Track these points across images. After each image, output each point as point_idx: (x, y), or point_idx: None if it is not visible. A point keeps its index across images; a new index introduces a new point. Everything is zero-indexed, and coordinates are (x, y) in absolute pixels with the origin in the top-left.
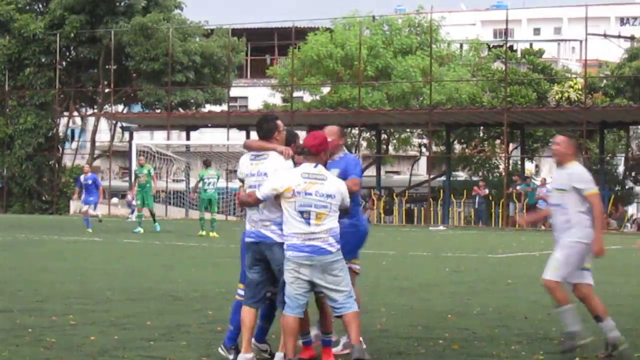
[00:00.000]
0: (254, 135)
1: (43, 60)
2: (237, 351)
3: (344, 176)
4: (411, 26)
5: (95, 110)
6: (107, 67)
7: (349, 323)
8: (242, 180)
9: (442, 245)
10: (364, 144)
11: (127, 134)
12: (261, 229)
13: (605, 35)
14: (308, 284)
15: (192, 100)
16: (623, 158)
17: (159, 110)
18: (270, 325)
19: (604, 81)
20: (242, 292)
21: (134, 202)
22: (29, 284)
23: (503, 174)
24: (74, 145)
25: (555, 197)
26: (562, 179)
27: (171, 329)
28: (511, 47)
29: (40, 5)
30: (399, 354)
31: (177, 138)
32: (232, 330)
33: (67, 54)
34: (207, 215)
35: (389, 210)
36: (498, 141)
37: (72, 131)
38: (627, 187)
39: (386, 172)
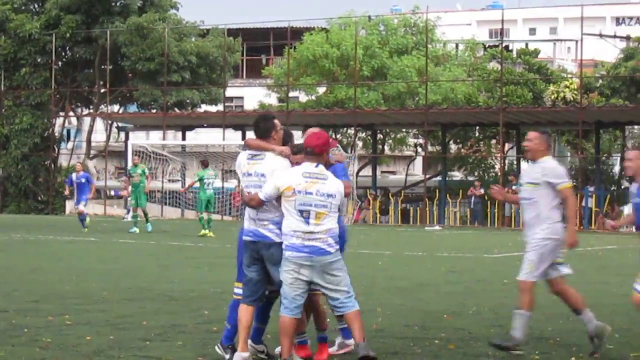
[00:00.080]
0: (249, 135)
1: (39, 60)
2: (234, 350)
3: None
4: (407, 26)
5: (91, 110)
6: (102, 67)
7: (351, 322)
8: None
9: (438, 245)
10: (360, 144)
11: (122, 134)
12: (259, 228)
13: (601, 35)
14: (306, 284)
15: (187, 100)
16: (619, 158)
17: (154, 110)
18: (266, 325)
19: (600, 81)
20: (238, 291)
21: (129, 202)
22: (24, 284)
23: (499, 174)
24: (70, 145)
25: (526, 191)
26: (534, 172)
27: (167, 328)
28: (507, 47)
29: (36, 5)
30: (395, 353)
31: (173, 138)
32: (229, 329)
33: (63, 54)
34: (205, 215)
35: (385, 210)
36: (494, 141)
37: (68, 131)
38: (622, 187)
39: (382, 172)
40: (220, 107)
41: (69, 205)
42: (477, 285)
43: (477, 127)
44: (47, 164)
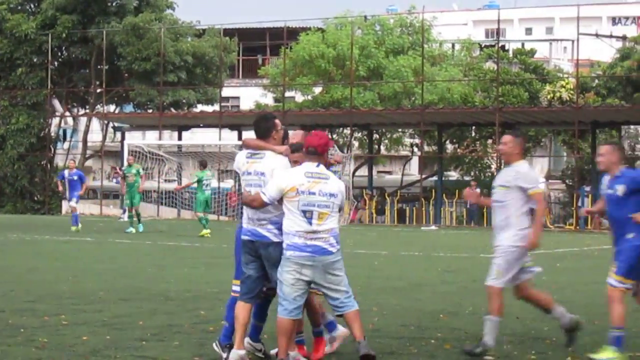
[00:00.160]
0: (245, 135)
1: (35, 60)
2: (232, 348)
3: None
4: (403, 26)
5: (87, 110)
6: (99, 67)
7: (351, 321)
8: (237, 175)
9: (434, 245)
10: (356, 144)
11: (119, 134)
12: (258, 228)
13: (597, 35)
14: (307, 284)
15: (184, 100)
16: None
17: (150, 110)
18: (264, 323)
19: (596, 81)
20: (236, 289)
21: (125, 202)
22: (21, 284)
23: (495, 173)
24: (66, 145)
25: (497, 193)
26: (507, 176)
27: (163, 329)
28: (503, 46)
29: (32, 5)
30: (391, 353)
31: (169, 138)
32: (227, 327)
33: (59, 54)
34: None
35: (381, 210)
36: (490, 141)
37: (64, 131)
38: None
39: (378, 172)
40: (216, 107)
41: (65, 205)
42: (473, 285)
43: (474, 127)
44: (44, 164)
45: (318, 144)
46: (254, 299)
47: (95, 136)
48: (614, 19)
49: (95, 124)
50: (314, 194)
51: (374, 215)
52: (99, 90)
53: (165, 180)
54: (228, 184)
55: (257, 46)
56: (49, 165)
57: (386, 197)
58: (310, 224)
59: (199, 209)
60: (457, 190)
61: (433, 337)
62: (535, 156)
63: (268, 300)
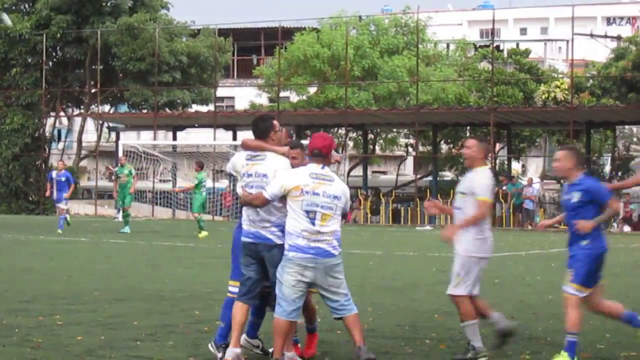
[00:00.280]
0: (240, 135)
1: (29, 60)
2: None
3: None
4: (398, 26)
5: (82, 111)
6: (93, 67)
7: (351, 325)
8: (231, 175)
9: (429, 245)
10: (351, 144)
11: (113, 134)
12: (260, 230)
13: (591, 35)
14: (307, 286)
15: (178, 101)
16: (609, 158)
17: (145, 111)
18: (262, 320)
19: (591, 81)
20: (232, 289)
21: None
22: (15, 284)
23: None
24: (61, 145)
25: (458, 200)
26: (467, 182)
27: (158, 329)
28: (498, 47)
29: (27, 6)
30: (386, 353)
31: (164, 138)
32: (223, 327)
33: (54, 54)
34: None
35: (376, 210)
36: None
37: (59, 131)
38: None
39: (373, 172)
40: (211, 107)
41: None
42: None
43: (468, 127)
44: (38, 164)
45: (322, 146)
46: (252, 300)
47: (90, 136)
48: (608, 19)
49: (90, 124)
50: (318, 194)
51: (369, 215)
52: (93, 91)
53: (160, 181)
54: (223, 184)
55: (251, 46)
56: (43, 166)
57: (381, 197)
58: (314, 224)
59: (197, 210)
60: (451, 191)
61: (428, 337)
62: (530, 156)
63: (266, 299)
